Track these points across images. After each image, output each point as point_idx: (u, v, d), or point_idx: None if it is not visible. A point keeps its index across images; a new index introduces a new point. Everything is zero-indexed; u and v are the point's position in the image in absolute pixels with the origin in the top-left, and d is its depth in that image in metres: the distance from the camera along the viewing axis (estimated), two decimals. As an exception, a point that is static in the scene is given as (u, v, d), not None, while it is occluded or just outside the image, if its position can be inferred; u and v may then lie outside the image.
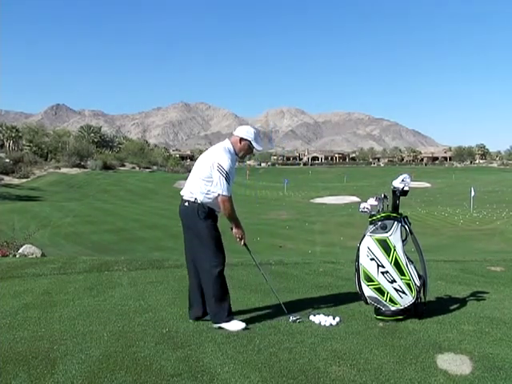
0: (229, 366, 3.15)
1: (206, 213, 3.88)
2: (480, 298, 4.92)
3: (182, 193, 4.03)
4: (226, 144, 3.98)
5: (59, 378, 2.98)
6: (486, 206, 43.14)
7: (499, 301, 4.86)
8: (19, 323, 4.14)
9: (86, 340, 3.67)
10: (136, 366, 3.15)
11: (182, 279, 5.97)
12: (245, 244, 4.16)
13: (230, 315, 3.95)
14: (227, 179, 3.79)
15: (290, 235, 29.18)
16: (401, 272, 4.07)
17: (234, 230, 4.05)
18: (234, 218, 3.96)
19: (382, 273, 4.07)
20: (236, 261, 7.59)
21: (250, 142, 3.97)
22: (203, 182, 3.87)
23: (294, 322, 4.07)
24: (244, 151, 4.01)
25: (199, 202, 3.87)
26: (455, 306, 4.60)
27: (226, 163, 3.81)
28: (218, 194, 3.83)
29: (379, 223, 4.15)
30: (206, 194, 3.86)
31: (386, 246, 4.08)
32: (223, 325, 3.89)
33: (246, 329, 3.87)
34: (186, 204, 3.93)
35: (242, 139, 3.97)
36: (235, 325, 3.89)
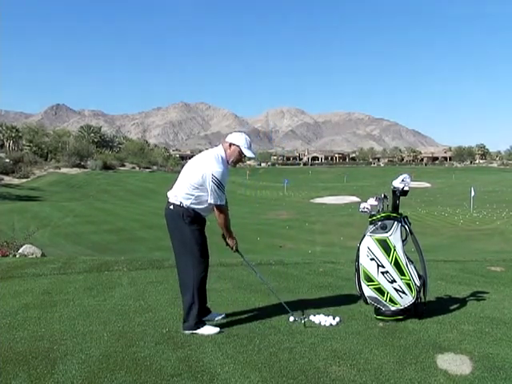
0: (229, 366, 3.15)
1: (192, 217, 3.83)
2: (480, 298, 4.91)
3: (168, 194, 3.97)
4: (218, 151, 3.93)
5: (59, 378, 2.98)
6: (486, 206, 43.14)
7: (499, 301, 4.85)
8: (19, 323, 4.14)
9: (86, 340, 3.67)
10: (136, 366, 3.15)
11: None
12: (237, 250, 4.11)
13: (203, 322, 3.91)
14: (221, 189, 3.78)
15: (290, 235, 29.19)
16: (401, 272, 4.07)
17: (228, 240, 4.03)
18: (226, 228, 3.94)
19: (382, 273, 4.07)
20: (236, 261, 7.59)
21: (240, 148, 3.91)
22: (191, 188, 3.81)
23: (295, 320, 4.07)
24: (234, 157, 3.94)
25: (184, 205, 3.83)
26: (455, 306, 4.60)
27: (220, 173, 3.76)
28: (215, 205, 3.81)
29: (379, 223, 4.15)
30: (194, 199, 3.82)
31: (386, 246, 4.08)
32: (196, 331, 3.84)
33: (220, 332, 3.83)
34: (171, 207, 3.90)
35: (232, 144, 3.92)
36: (208, 329, 3.85)
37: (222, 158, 3.89)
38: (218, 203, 3.81)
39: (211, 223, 4.17)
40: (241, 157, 3.97)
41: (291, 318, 4.12)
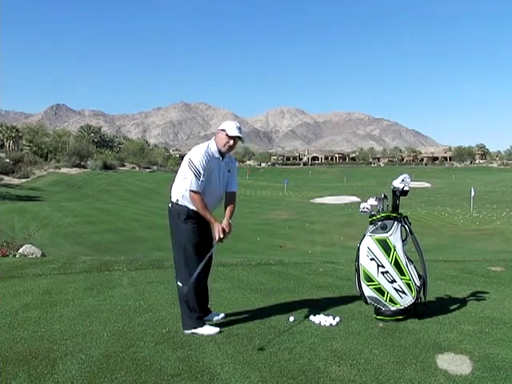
0: (229, 366, 3.15)
1: (187, 215, 3.84)
2: (480, 298, 4.91)
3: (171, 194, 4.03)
4: (208, 142, 3.98)
5: (59, 378, 2.98)
6: (486, 206, 43.18)
7: (499, 301, 4.85)
8: (19, 323, 4.14)
9: (86, 340, 3.67)
10: (136, 366, 3.15)
11: (182, 279, 5.97)
12: (222, 238, 3.87)
13: (200, 320, 3.90)
14: (196, 174, 3.75)
15: (290, 235, 29.21)
16: (401, 272, 4.07)
17: (214, 230, 3.88)
18: (203, 214, 3.84)
19: (382, 273, 4.07)
20: (236, 261, 7.59)
21: (225, 131, 3.89)
22: (182, 179, 3.86)
23: (295, 320, 4.07)
24: (222, 141, 3.90)
25: (180, 203, 3.85)
26: (455, 306, 4.60)
27: (197, 159, 3.78)
28: (189, 190, 3.78)
29: (379, 223, 4.15)
30: (185, 190, 3.83)
31: (386, 246, 4.08)
32: (195, 330, 3.83)
33: (220, 332, 3.82)
34: (170, 205, 3.94)
35: (220, 131, 3.94)
36: (208, 329, 3.84)
37: (208, 146, 3.90)
38: (190, 188, 3.78)
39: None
40: (229, 140, 3.90)
41: (291, 318, 4.12)
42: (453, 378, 2.97)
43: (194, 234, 3.87)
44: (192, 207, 3.85)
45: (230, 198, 4.09)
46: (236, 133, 3.88)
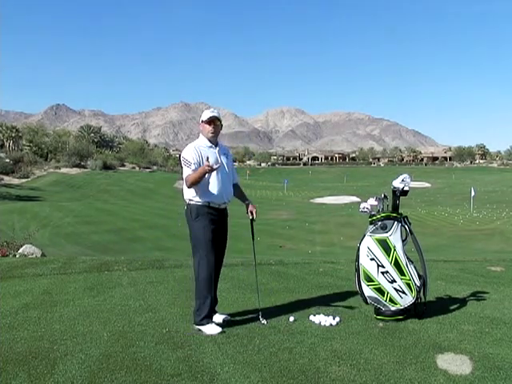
0: (229, 366, 3.15)
1: (197, 212, 3.95)
2: (480, 298, 4.92)
3: None
4: (198, 138, 4.15)
5: (59, 378, 2.98)
6: (486, 206, 43.18)
7: (499, 301, 4.85)
8: (19, 323, 4.14)
9: (86, 340, 3.67)
10: (136, 366, 3.15)
11: (182, 279, 5.98)
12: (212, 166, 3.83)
13: (207, 318, 3.93)
14: (187, 165, 3.91)
15: (290, 235, 29.18)
16: (401, 272, 4.07)
17: (211, 170, 3.82)
18: (199, 174, 3.81)
19: (382, 273, 4.07)
20: (236, 261, 7.58)
21: (202, 120, 4.06)
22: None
23: (296, 320, 4.07)
24: (205, 129, 4.05)
25: (192, 202, 3.99)
26: (455, 306, 4.60)
27: (187, 153, 3.95)
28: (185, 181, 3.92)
29: (379, 223, 4.15)
30: (193, 191, 3.96)
31: (386, 246, 4.08)
32: (202, 327, 3.89)
33: (222, 332, 3.84)
34: (185, 208, 4.07)
35: (200, 124, 4.09)
36: (211, 328, 3.87)
37: (197, 141, 4.08)
38: (184, 177, 3.93)
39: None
40: (209, 126, 4.02)
41: (291, 318, 4.12)
42: (453, 377, 2.97)
43: (206, 231, 3.94)
44: (202, 200, 3.94)
45: (236, 189, 4.32)
46: (209, 114, 4.04)
